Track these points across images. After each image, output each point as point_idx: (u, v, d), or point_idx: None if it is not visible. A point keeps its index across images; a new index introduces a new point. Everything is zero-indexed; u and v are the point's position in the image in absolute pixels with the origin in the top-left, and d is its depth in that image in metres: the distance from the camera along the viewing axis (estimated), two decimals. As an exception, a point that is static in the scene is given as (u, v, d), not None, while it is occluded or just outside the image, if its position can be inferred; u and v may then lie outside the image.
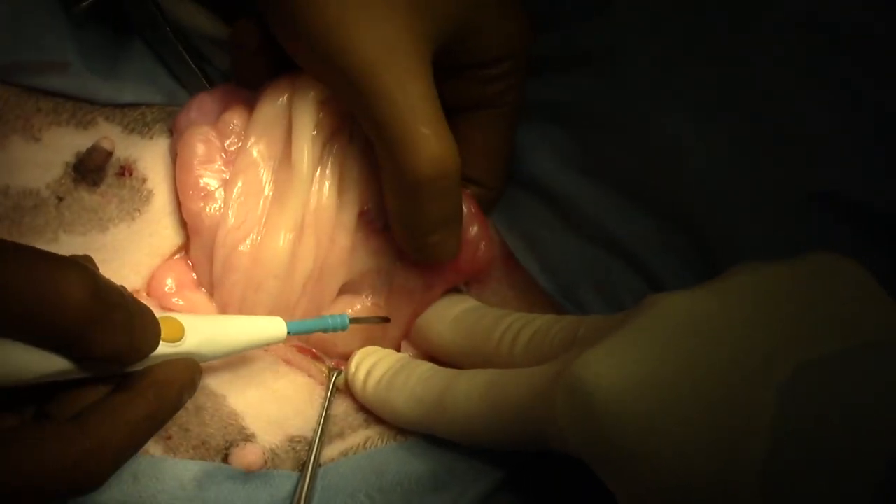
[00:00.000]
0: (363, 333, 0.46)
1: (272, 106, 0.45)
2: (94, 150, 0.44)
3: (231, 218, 0.44)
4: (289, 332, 0.41)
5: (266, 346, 0.43)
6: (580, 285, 0.46)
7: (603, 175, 0.46)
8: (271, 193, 0.45)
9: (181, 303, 0.44)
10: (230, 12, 0.47)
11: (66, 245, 0.43)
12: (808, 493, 0.28)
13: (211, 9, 0.47)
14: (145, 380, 0.36)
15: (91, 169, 0.44)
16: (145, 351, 0.35)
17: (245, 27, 0.45)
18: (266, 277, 0.44)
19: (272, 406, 0.43)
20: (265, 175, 0.45)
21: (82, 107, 0.46)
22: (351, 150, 0.45)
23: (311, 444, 0.41)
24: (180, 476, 0.38)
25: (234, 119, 0.45)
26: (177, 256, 0.46)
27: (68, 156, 0.44)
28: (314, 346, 0.46)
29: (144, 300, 0.40)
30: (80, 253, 0.38)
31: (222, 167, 0.45)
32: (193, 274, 0.46)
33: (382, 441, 0.42)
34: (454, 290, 0.47)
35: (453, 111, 0.45)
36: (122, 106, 0.47)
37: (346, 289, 0.46)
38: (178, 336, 0.37)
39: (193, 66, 0.48)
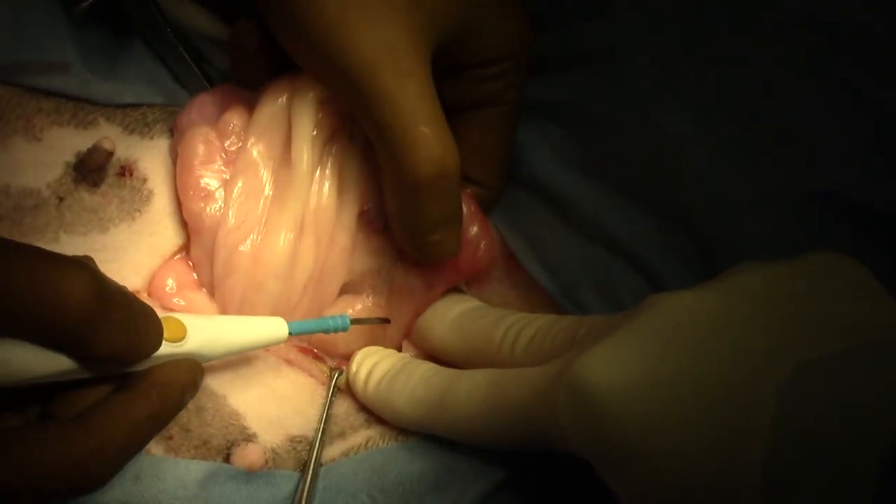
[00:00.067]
0: (364, 334, 0.46)
1: (272, 106, 0.45)
2: (94, 150, 0.44)
3: (231, 218, 0.44)
4: (290, 333, 0.41)
5: (267, 347, 0.43)
6: (580, 285, 0.46)
7: (603, 175, 0.46)
8: (271, 193, 0.45)
9: (182, 303, 0.44)
10: (230, 12, 0.47)
11: (67, 245, 0.43)
12: (809, 492, 0.28)
13: (211, 9, 0.47)
14: (147, 380, 0.36)
15: (92, 169, 0.44)
16: (148, 351, 0.35)
17: (245, 27, 0.45)
18: (267, 278, 0.44)
19: (273, 406, 0.43)
20: (265, 175, 0.45)
21: (83, 107, 0.46)
22: (351, 150, 0.45)
23: (312, 444, 0.41)
24: (182, 476, 0.38)
25: (234, 119, 0.45)
26: (177, 257, 0.46)
27: (69, 156, 0.44)
28: (315, 346, 0.46)
29: (145, 300, 0.40)
30: (81, 253, 0.38)
31: (222, 167, 0.45)
32: (194, 274, 0.46)
33: (384, 441, 0.42)
34: (455, 289, 0.47)
35: (453, 111, 0.45)
36: (123, 106, 0.47)
37: (347, 289, 0.46)
38: (181, 336, 0.37)
39: (193, 66, 0.48)
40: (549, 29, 0.47)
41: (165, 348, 0.36)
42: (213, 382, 0.42)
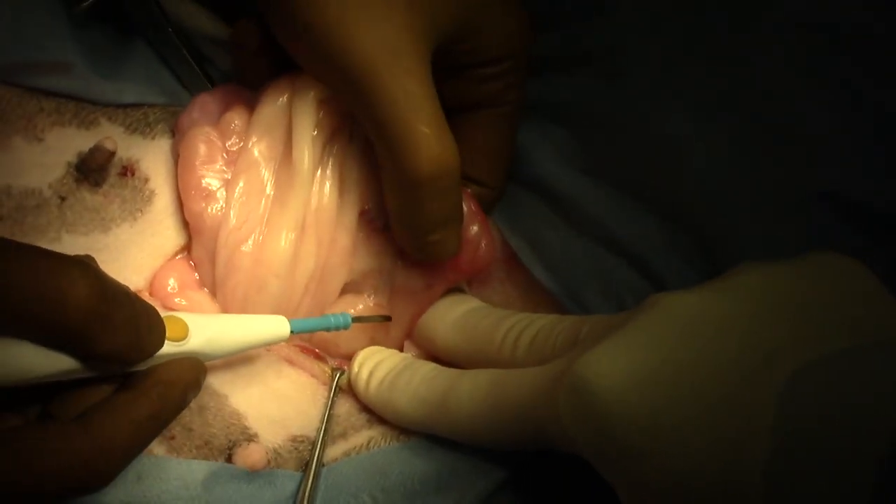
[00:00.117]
0: (366, 333, 0.46)
1: (273, 106, 0.45)
2: (96, 150, 0.44)
3: (233, 218, 0.44)
4: (292, 331, 0.41)
5: (270, 345, 0.43)
6: (582, 285, 0.47)
7: (604, 175, 0.46)
8: (273, 193, 0.45)
9: (184, 303, 0.44)
10: (231, 12, 0.47)
11: (69, 245, 0.43)
12: (810, 492, 0.28)
13: (212, 9, 0.47)
14: (150, 379, 0.36)
15: (93, 169, 0.44)
16: (150, 350, 0.35)
17: (245, 27, 0.45)
18: (268, 277, 0.44)
19: (275, 406, 0.43)
20: (266, 175, 0.45)
21: (84, 107, 0.46)
22: (351, 150, 0.45)
23: (314, 444, 0.41)
24: (184, 476, 0.38)
25: (236, 119, 0.45)
26: (179, 256, 0.46)
27: (70, 156, 0.44)
28: (317, 346, 0.46)
29: (147, 300, 0.40)
30: (82, 253, 0.38)
31: (224, 167, 0.45)
32: (196, 274, 0.46)
33: (385, 441, 0.42)
34: (456, 289, 0.47)
35: (453, 111, 0.45)
36: (125, 106, 0.47)
37: (348, 289, 0.46)
38: (183, 335, 0.37)
39: (195, 66, 0.48)
40: (549, 29, 0.47)
41: (168, 347, 0.36)
42: (215, 382, 0.42)
